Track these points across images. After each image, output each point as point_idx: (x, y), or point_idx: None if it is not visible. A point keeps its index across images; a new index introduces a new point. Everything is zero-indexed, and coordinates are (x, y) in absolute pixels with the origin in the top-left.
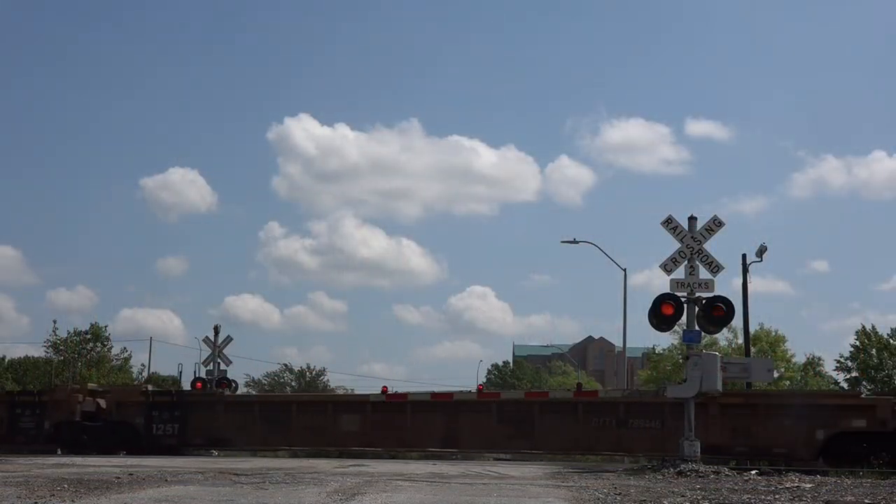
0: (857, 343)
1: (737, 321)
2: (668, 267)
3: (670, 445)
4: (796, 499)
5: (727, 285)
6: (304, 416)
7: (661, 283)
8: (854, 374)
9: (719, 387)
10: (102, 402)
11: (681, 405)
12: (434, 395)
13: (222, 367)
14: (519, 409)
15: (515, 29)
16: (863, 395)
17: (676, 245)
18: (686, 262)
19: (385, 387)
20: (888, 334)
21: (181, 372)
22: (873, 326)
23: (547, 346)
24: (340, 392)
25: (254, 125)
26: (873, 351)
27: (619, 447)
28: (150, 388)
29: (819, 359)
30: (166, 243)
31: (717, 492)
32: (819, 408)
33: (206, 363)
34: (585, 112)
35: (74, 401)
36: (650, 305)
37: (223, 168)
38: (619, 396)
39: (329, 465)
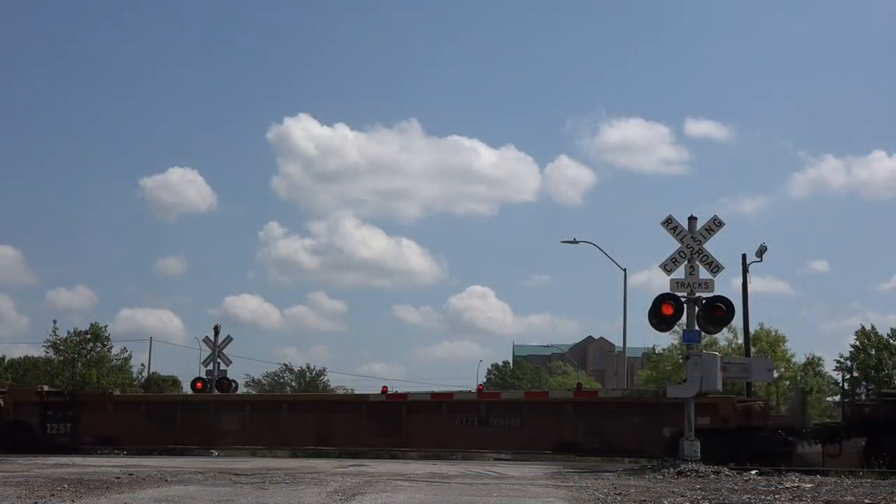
0: (857, 343)
1: (737, 321)
2: (668, 267)
3: (527, 442)
4: (796, 499)
5: (727, 285)
6: (187, 416)
7: (661, 283)
8: (854, 373)
9: (719, 387)
10: (2, 402)
11: (536, 405)
12: (308, 396)
13: (222, 367)
14: (387, 409)
15: (515, 29)
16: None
17: (676, 245)
18: (686, 262)
19: (385, 387)
20: (888, 334)
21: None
22: (873, 326)
23: (547, 346)
24: (340, 392)
25: (254, 125)
26: (873, 351)
27: (482, 444)
28: (45, 388)
29: (819, 359)
30: (166, 243)
31: (717, 492)
32: (665, 406)
33: (206, 363)
34: (585, 112)
35: None
36: (650, 305)
37: (223, 168)
38: (474, 398)
39: (329, 465)
